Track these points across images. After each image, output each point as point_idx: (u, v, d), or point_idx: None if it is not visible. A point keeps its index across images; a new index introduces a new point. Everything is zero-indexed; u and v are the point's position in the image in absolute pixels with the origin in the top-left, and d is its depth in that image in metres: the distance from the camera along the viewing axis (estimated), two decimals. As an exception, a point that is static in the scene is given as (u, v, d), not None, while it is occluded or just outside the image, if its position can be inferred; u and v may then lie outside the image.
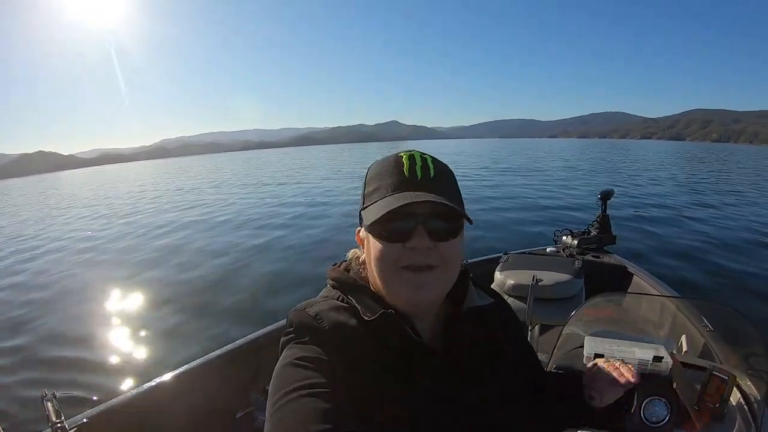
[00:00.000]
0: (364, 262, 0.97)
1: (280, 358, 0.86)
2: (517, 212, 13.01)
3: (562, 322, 2.84)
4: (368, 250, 0.91)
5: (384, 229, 0.84)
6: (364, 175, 0.95)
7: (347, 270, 1.00)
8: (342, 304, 0.91)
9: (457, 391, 0.90)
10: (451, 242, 0.87)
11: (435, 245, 0.85)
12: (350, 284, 0.95)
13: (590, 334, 1.82)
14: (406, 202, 0.81)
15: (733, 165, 40.00)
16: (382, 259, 0.86)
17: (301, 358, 0.82)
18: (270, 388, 0.82)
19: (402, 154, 0.91)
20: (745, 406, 1.58)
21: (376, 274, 0.89)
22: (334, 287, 0.97)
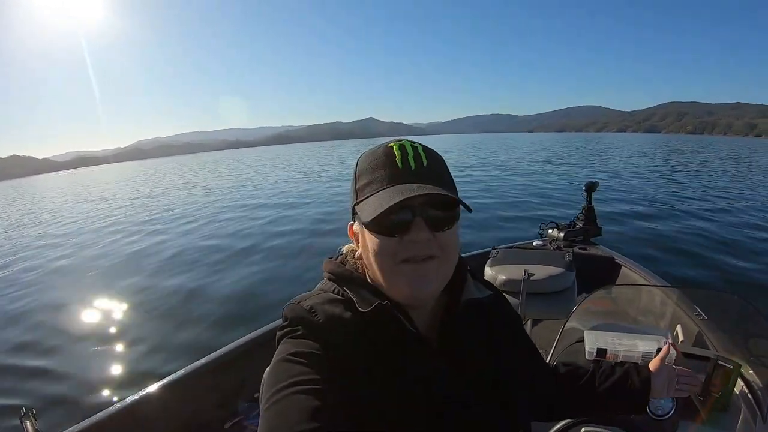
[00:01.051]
0: (360, 257, 0.95)
1: (275, 354, 0.85)
2: (500, 206, 13.11)
3: (555, 316, 2.85)
4: (364, 245, 0.89)
5: (381, 223, 0.82)
6: (354, 168, 0.92)
7: (343, 263, 0.98)
8: (337, 296, 0.89)
9: (453, 384, 0.89)
10: (448, 231, 0.86)
11: (434, 235, 0.83)
12: (346, 276, 0.93)
13: (589, 329, 1.81)
14: (406, 196, 0.79)
15: (712, 156, 40.92)
16: (381, 254, 0.84)
17: (294, 354, 0.81)
18: (264, 384, 0.82)
19: (392, 144, 0.88)
20: (749, 395, 1.57)
21: (375, 269, 0.87)
22: (330, 279, 0.95)
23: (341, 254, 1.02)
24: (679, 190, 16.73)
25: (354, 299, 0.87)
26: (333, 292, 0.91)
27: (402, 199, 0.78)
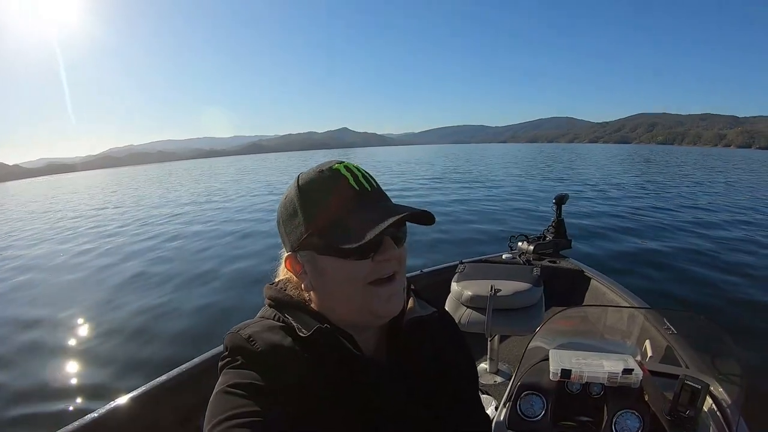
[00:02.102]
0: (298, 286, 0.94)
1: (217, 384, 0.83)
2: (470, 218, 13.14)
3: (523, 333, 2.83)
4: (320, 273, 0.87)
5: (355, 249, 0.80)
6: (293, 195, 0.90)
7: (284, 289, 0.97)
8: (277, 323, 0.88)
9: (402, 405, 0.89)
10: (404, 246, 0.88)
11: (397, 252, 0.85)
12: (287, 302, 0.92)
13: (555, 347, 1.81)
14: (396, 217, 0.80)
15: (686, 166, 41.75)
16: (351, 279, 0.83)
17: (233, 385, 0.79)
18: (205, 417, 0.79)
19: (335, 167, 0.88)
20: (718, 413, 1.56)
21: (337, 296, 0.87)
22: (270, 306, 0.94)
23: (280, 280, 1.00)
24: (651, 200, 17.04)
25: (295, 325, 0.85)
26: (273, 319, 0.90)
27: (394, 220, 0.79)
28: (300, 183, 0.89)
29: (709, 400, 1.57)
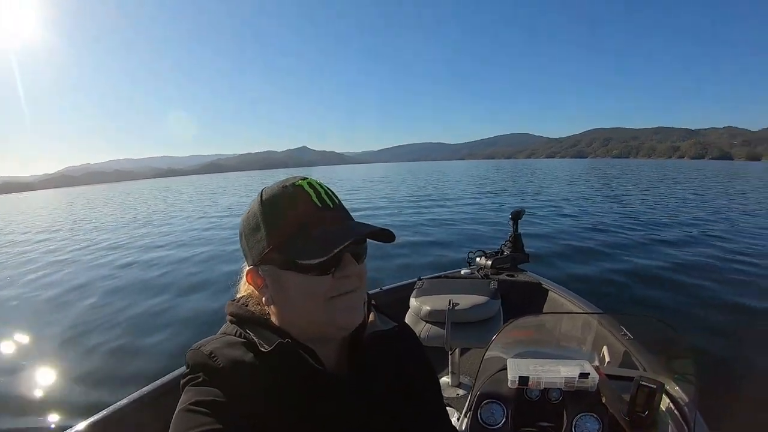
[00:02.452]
0: (263, 303, 0.93)
1: (179, 402, 0.82)
2: (430, 236, 13.16)
3: (482, 345, 2.85)
4: (282, 287, 0.87)
5: (316, 264, 0.82)
6: (256, 210, 0.91)
7: (245, 305, 0.97)
8: (239, 339, 0.88)
9: (365, 419, 0.90)
10: (364, 262, 0.90)
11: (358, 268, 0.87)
12: (248, 318, 0.92)
13: (512, 356, 1.83)
14: (359, 234, 0.84)
15: (642, 177, 43.16)
16: (312, 294, 0.84)
17: (195, 403, 0.79)
18: None
19: (299, 182, 0.90)
20: (675, 411, 1.60)
21: (299, 310, 0.87)
22: (232, 322, 0.93)
23: (242, 296, 1.01)
24: (609, 212, 17.50)
25: (256, 341, 0.85)
26: (235, 335, 0.89)
27: (355, 238, 0.82)
28: (263, 198, 0.90)
29: (666, 399, 1.62)
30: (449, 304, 2.82)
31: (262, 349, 0.83)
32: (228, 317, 0.95)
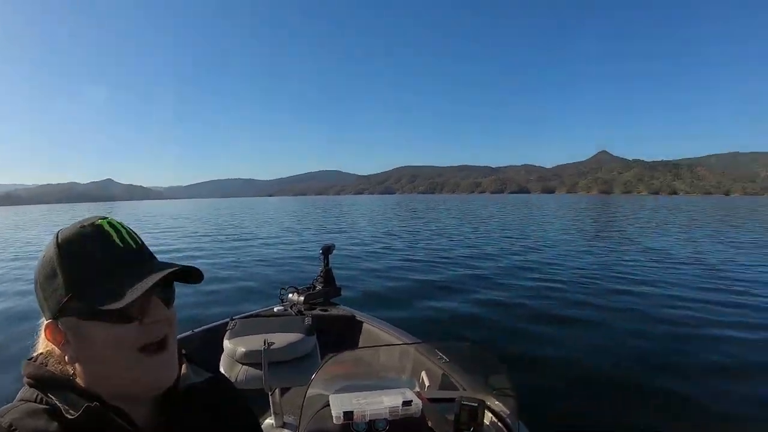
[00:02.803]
0: (64, 360, 0.83)
1: None
2: (240, 273, 12.83)
3: (302, 383, 2.80)
4: (85, 341, 0.78)
5: (120, 310, 0.75)
6: (52, 254, 0.81)
7: (44, 365, 0.85)
8: (41, 405, 0.77)
9: None
10: (173, 307, 0.85)
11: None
12: (49, 380, 0.81)
13: (334, 392, 1.82)
14: (160, 275, 0.77)
15: (446, 211, 46.50)
16: (117, 346, 0.77)
17: None
18: None
19: (99, 222, 0.82)
20: (499, 424, 1.69)
21: (105, 366, 0.79)
22: (31, 386, 0.82)
23: (40, 354, 0.88)
24: (414, 244, 18.62)
25: (60, 406, 0.76)
26: (35, 401, 0.79)
27: (159, 278, 0.77)
28: (59, 241, 0.81)
29: (489, 415, 1.70)
30: (264, 344, 2.72)
31: (68, 416, 0.74)
32: (25, 380, 0.83)
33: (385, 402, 1.66)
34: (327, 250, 4.66)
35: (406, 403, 1.64)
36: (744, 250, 16.88)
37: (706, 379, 5.20)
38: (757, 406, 4.59)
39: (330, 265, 4.68)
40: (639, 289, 9.99)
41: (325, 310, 4.34)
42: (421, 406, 1.65)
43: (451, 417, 1.61)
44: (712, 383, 5.10)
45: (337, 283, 4.74)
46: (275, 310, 4.13)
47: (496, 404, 1.78)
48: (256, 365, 2.75)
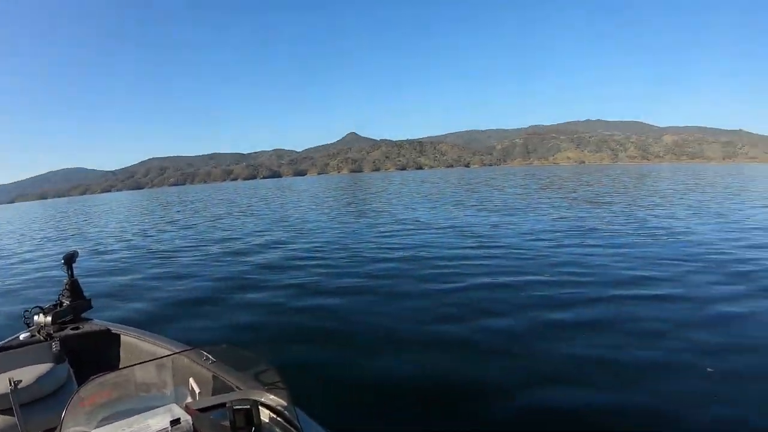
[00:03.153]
0: None
1: None
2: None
3: None
4: None
5: None
6: None
7: None
8: None
9: None
10: None
11: None
12: None
13: (96, 426, 1.70)
14: None
15: (200, 202, 44.89)
16: None
17: None
18: None
19: None
20: (278, 418, 1.72)
21: None
22: None
23: None
24: (168, 241, 17.94)
25: None
26: None
27: None
28: None
29: (266, 411, 1.73)
30: (11, 384, 2.33)
31: None
32: None
33: (152, 426, 1.59)
34: (69, 259, 4.22)
35: (174, 422, 1.58)
36: (482, 213, 20.20)
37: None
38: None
39: (75, 275, 4.26)
40: (398, 255, 11.61)
41: (77, 328, 3.94)
42: (191, 422, 1.60)
43: (227, 423, 1.58)
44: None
45: (86, 294, 4.34)
46: (21, 338, 3.68)
47: (271, 399, 1.79)
48: (7, 411, 2.41)
